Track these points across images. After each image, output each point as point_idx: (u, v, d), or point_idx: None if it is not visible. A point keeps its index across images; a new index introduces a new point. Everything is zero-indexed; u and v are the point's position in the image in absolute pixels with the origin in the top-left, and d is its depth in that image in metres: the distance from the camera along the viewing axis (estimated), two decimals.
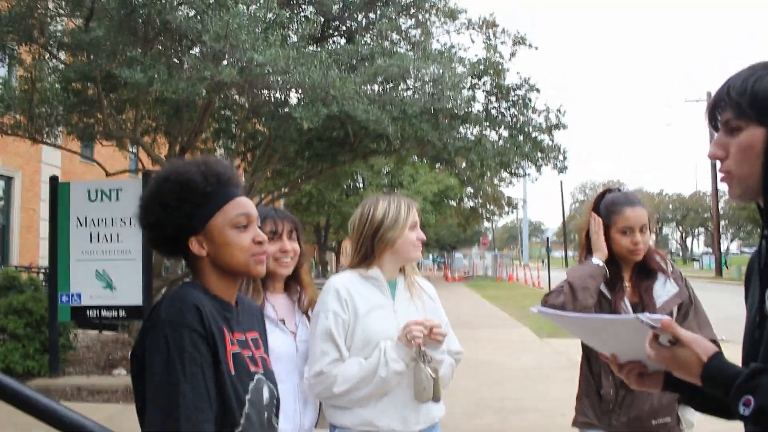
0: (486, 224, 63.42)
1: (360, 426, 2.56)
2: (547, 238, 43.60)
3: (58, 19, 8.23)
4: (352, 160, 12.00)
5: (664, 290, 2.92)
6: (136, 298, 7.73)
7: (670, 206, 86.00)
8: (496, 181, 26.68)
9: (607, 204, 2.97)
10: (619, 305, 2.85)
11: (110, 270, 7.81)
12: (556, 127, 11.21)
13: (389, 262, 2.73)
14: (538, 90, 10.86)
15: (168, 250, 1.87)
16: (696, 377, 1.43)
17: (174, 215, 1.76)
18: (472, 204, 43.40)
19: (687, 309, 2.92)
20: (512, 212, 56.30)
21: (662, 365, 1.52)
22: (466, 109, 10.16)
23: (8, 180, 18.39)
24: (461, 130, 10.77)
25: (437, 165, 13.94)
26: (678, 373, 1.48)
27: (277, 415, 1.94)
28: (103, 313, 7.92)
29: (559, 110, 11.16)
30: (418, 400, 2.55)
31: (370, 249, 2.71)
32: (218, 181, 1.80)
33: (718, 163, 1.47)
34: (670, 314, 2.85)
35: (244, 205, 1.84)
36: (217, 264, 1.81)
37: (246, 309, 1.97)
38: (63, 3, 7.82)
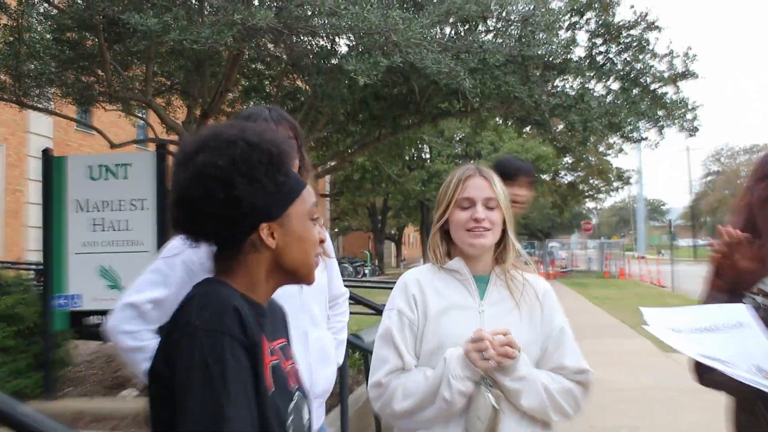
0: (589, 204, 62.76)
1: None
2: (670, 222, 43.08)
3: None
4: (418, 124, 12.01)
5: None
6: None
7: None
8: (602, 149, 26.23)
9: None
10: None
11: (117, 265, 7.92)
12: (683, 76, 11.01)
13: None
14: (659, 28, 10.67)
15: (211, 238, 1.79)
16: None
17: (256, 194, 1.70)
18: (570, 178, 43.10)
19: None
20: (623, 189, 55.60)
21: None
22: (563, 56, 10.04)
23: None
24: (558, 83, 10.67)
25: (526, 129, 13.84)
26: None
27: None
28: None
29: (686, 54, 10.96)
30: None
31: (441, 234, 2.72)
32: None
33: None
34: None
35: (313, 193, 1.83)
36: (280, 260, 1.79)
37: (270, 310, 1.95)
38: None
